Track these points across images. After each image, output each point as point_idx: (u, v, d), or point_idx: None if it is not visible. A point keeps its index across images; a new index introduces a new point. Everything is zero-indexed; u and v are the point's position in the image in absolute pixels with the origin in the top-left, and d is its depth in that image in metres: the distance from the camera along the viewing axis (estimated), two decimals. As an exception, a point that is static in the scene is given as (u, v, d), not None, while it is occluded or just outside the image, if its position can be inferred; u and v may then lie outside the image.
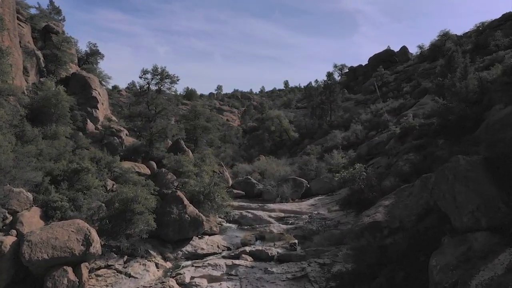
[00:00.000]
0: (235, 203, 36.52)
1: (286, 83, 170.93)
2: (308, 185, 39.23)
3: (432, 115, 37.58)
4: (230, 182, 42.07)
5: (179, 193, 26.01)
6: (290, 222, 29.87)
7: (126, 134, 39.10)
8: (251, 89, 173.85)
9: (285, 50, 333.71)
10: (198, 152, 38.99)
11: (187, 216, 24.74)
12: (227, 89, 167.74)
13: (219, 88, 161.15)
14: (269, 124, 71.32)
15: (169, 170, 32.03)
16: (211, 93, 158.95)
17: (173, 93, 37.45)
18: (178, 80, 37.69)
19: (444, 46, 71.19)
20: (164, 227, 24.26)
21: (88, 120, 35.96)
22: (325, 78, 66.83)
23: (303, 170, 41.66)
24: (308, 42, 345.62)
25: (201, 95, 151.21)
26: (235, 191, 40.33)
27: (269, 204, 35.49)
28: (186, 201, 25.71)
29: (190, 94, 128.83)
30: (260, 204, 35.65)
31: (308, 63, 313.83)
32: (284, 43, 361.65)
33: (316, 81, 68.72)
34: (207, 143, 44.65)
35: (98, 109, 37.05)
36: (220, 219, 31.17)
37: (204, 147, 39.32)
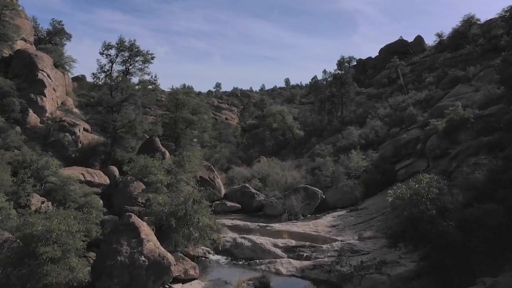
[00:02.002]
0: (228, 221, 26.74)
1: (287, 81, 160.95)
2: (323, 196, 29.40)
3: (489, 103, 27.97)
4: (223, 191, 32.25)
5: (134, 218, 16.17)
6: (306, 255, 20.04)
7: (86, 130, 29.34)
8: (251, 87, 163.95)
9: (285, 51, 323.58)
10: (181, 154, 29.21)
11: (143, 258, 14.92)
12: (226, 89, 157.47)
13: (218, 85, 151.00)
14: (270, 121, 61.40)
15: (136, 178, 22.30)
16: (209, 91, 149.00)
17: (146, 75, 27.92)
18: (153, 58, 27.90)
19: (468, 32, 61.29)
20: (105, 277, 14.49)
21: (31, 110, 26.20)
22: (335, 68, 56.72)
23: (316, 176, 31.81)
24: (307, 42, 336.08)
25: (199, 93, 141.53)
26: (228, 203, 30.53)
27: (273, 224, 25.67)
28: (145, 232, 15.90)
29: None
30: (261, 224, 25.83)
31: (308, 63, 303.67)
32: (284, 43, 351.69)
33: (325, 71, 58.78)
34: (197, 142, 34.79)
35: (46, 97, 27.24)
36: (204, 248, 21.35)
37: (188, 147, 29.60)
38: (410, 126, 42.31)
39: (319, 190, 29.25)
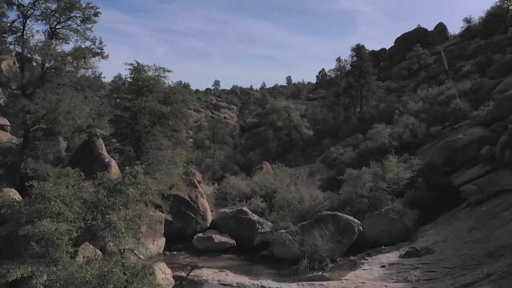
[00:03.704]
0: (213, 272, 16.18)
1: (288, 79, 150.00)
2: (361, 228, 18.74)
3: None
4: (210, 217, 21.56)
5: None
6: None
7: (1, 127, 18.73)
8: (251, 86, 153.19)
9: (285, 50, 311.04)
10: (148, 164, 18.65)
11: None
12: (225, 87, 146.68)
13: (217, 83, 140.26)
14: (274, 118, 50.71)
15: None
16: (207, 89, 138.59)
17: (88, 41, 17.36)
18: (96, 14, 17.28)
19: (507, 14, 50.72)
20: None
21: None
22: (352, 54, 45.53)
23: (345, 194, 21.06)
24: (307, 42, 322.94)
25: (197, 91, 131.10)
26: (217, 237, 19.84)
27: (285, 285, 15.00)
28: None
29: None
30: (266, 284, 15.16)
31: (308, 63, 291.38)
32: (284, 43, 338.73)
33: (339, 59, 47.93)
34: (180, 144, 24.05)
35: None
36: None
37: (155, 153, 18.94)
38: (457, 123, 31.87)
39: (355, 220, 18.59)
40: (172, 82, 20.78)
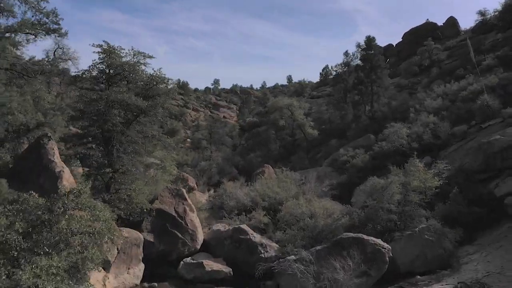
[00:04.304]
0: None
1: (289, 78, 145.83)
2: (391, 254, 14.60)
3: None
4: (201, 237, 17.40)
5: None
6: None
7: None
8: (251, 85, 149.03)
9: (285, 50, 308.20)
10: (122, 172, 14.49)
11: None
12: (225, 87, 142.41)
13: (216, 82, 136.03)
14: (276, 117, 46.59)
15: None
16: (207, 88, 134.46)
17: (41, 14, 13.31)
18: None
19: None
20: None
21: None
22: (361, 48, 41.23)
23: (370, 209, 16.86)
24: (307, 42, 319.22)
25: (196, 90, 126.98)
26: (208, 264, 15.65)
27: None
28: None
29: (181, 88, 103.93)
30: None
31: (308, 63, 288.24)
32: (284, 43, 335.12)
33: (346, 53, 43.72)
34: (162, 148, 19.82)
35: None
36: None
37: (130, 158, 14.83)
38: (486, 122, 27.78)
39: (385, 245, 14.45)
40: (154, 69, 16.27)
